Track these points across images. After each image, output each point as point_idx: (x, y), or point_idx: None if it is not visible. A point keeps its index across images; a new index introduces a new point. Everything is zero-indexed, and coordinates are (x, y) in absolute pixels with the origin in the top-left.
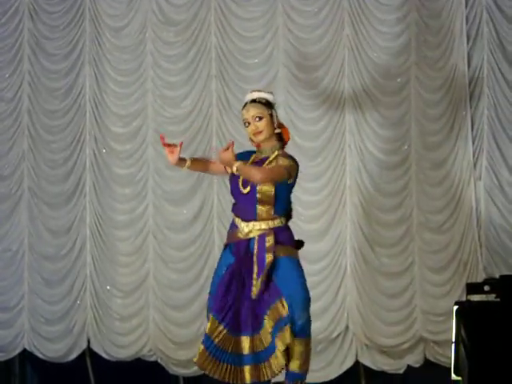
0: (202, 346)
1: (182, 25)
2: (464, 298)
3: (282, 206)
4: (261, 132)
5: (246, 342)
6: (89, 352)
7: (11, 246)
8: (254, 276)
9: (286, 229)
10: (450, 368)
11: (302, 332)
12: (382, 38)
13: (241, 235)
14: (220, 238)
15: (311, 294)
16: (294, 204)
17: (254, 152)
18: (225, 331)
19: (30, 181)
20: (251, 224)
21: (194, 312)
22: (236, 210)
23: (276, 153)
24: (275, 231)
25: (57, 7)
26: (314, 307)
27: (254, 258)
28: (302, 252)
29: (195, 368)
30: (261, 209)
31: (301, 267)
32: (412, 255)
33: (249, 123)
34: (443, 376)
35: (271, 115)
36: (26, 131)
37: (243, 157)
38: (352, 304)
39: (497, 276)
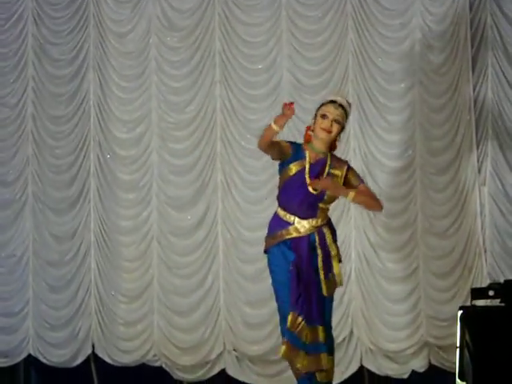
0: (285, 340)
1: (186, 30)
2: (469, 303)
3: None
4: (330, 132)
5: (320, 331)
6: (93, 357)
7: (16, 251)
8: (322, 276)
9: (331, 222)
10: (455, 373)
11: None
12: (386, 43)
13: (296, 233)
14: (224, 243)
15: None
16: None
17: (302, 149)
18: (303, 322)
19: (34, 186)
20: (310, 221)
21: (198, 317)
22: (291, 207)
23: (329, 155)
24: (328, 223)
25: (61, 13)
26: None
27: (319, 258)
28: None
29: (199, 373)
30: (322, 207)
31: None
32: (416, 260)
33: (327, 118)
34: (448, 381)
35: (342, 128)
36: (30, 137)
37: (297, 154)
38: (356, 309)
39: (501, 281)
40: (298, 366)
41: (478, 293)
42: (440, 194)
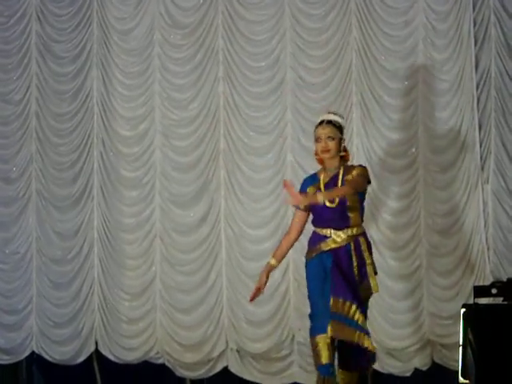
0: (332, 321)
1: (190, 27)
2: (471, 301)
3: (363, 212)
4: (329, 151)
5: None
6: (96, 355)
7: (19, 248)
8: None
9: (367, 234)
10: (458, 371)
11: None
12: (390, 41)
13: (334, 244)
14: (227, 240)
15: None
16: None
17: (316, 174)
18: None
19: (37, 184)
20: (346, 231)
21: (201, 315)
22: (325, 223)
23: (342, 169)
24: (364, 235)
25: (64, 10)
26: None
27: (355, 264)
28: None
29: (202, 370)
30: (351, 215)
31: None
32: (419, 258)
33: (320, 140)
34: (451, 379)
35: (340, 139)
36: (33, 134)
37: (310, 182)
38: None
39: (504, 279)
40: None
41: (480, 291)
42: (443, 192)
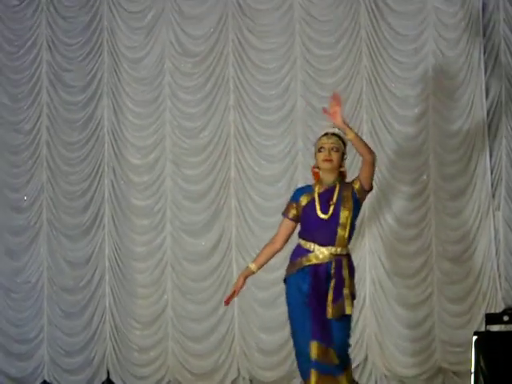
0: (315, 372)
1: (200, 56)
2: (483, 329)
3: (352, 233)
4: (331, 161)
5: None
6: (108, 383)
7: (30, 278)
8: (330, 300)
9: (351, 258)
10: None
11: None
12: (400, 68)
13: (316, 260)
14: (238, 269)
15: None
16: None
17: (310, 186)
18: (330, 349)
19: (48, 213)
20: (329, 248)
21: (213, 343)
22: (310, 235)
23: (338, 185)
24: (348, 257)
25: (75, 39)
26: None
27: (332, 283)
28: None
29: None
30: (340, 233)
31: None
32: (431, 286)
33: (324, 149)
34: None
35: (343, 153)
36: (44, 163)
37: (304, 191)
38: (371, 334)
39: None
40: None
41: (492, 318)
42: (454, 219)
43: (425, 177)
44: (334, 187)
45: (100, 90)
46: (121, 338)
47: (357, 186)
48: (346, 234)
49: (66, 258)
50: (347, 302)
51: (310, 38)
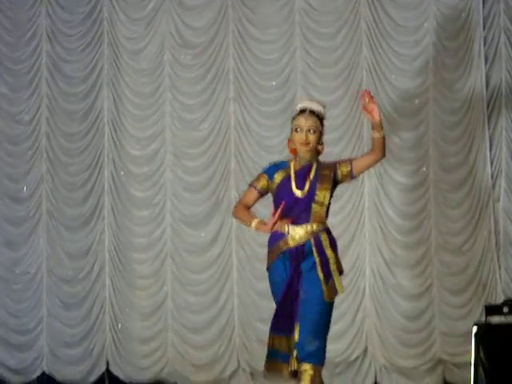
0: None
1: (200, 47)
2: (483, 320)
3: (328, 211)
4: (308, 144)
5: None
6: (108, 375)
7: (29, 268)
8: (322, 279)
9: (331, 232)
10: None
11: (311, 357)
12: (400, 60)
13: (293, 242)
14: (238, 260)
15: None
16: None
17: (285, 162)
18: (282, 337)
19: (48, 203)
20: (304, 226)
21: (213, 334)
22: (284, 214)
23: (315, 163)
24: (326, 231)
25: (75, 30)
26: (332, 329)
27: (318, 264)
28: None
29: None
30: (315, 209)
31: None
32: (431, 277)
33: (300, 130)
34: None
35: (321, 132)
36: (44, 154)
37: (279, 167)
38: (371, 326)
39: None
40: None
41: (492, 309)
42: (454, 211)
43: (425, 168)
44: (311, 166)
45: (100, 81)
46: (120, 329)
47: (346, 169)
48: (323, 211)
49: (65, 248)
50: (337, 280)
51: (310, 29)
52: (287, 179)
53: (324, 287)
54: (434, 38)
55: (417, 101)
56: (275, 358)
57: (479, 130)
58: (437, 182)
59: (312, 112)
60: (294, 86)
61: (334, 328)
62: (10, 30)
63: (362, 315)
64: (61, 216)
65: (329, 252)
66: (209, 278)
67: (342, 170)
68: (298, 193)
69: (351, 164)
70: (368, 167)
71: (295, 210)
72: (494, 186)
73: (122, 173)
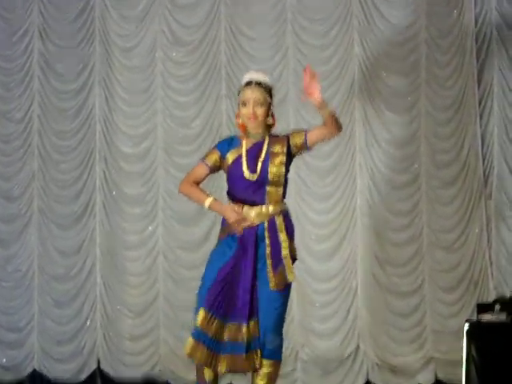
0: (192, 340)
1: (192, 45)
2: (475, 318)
3: (286, 188)
4: (256, 118)
5: (244, 330)
6: (99, 372)
7: (21, 266)
8: (269, 268)
9: (289, 215)
10: None
11: (273, 354)
12: (392, 57)
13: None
14: None
15: (322, 313)
16: (304, 223)
17: (237, 138)
18: (216, 321)
19: (39, 201)
20: (259, 208)
21: None
22: (237, 194)
23: (267, 138)
24: (283, 214)
25: (67, 28)
26: (324, 327)
27: (268, 249)
28: (312, 272)
29: None
30: (270, 190)
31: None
32: (422, 274)
33: (247, 104)
34: None
35: (270, 104)
36: (35, 151)
37: (231, 145)
38: (363, 324)
39: (507, 295)
40: (196, 362)
41: (484, 307)
42: (446, 208)
43: (416, 165)
44: (263, 142)
45: (92, 79)
46: (112, 326)
47: (300, 140)
48: (279, 191)
49: (56, 246)
50: (288, 268)
51: (302, 27)
52: (239, 160)
53: (271, 274)
54: (426, 35)
55: (409, 98)
56: (200, 340)
57: (471, 127)
58: (428, 178)
59: (258, 84)
60: (286, 83)
61: (326, 325)
62: (1, 28)
63: (354, 313)
64: (52, 214)
65: (282, 236)
66: (201, 275)
67: (296, 141)
68: (250, 176)
69: (305, 135)
70: (323, 139)
71: (249, 192)
72: (485, 183)
73: (114, 170)
